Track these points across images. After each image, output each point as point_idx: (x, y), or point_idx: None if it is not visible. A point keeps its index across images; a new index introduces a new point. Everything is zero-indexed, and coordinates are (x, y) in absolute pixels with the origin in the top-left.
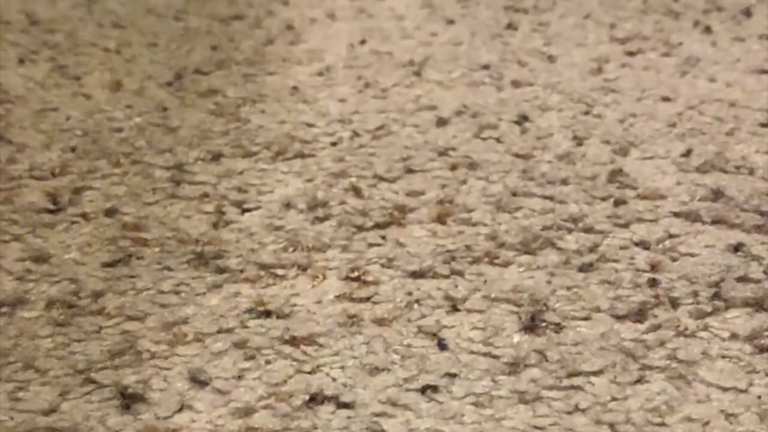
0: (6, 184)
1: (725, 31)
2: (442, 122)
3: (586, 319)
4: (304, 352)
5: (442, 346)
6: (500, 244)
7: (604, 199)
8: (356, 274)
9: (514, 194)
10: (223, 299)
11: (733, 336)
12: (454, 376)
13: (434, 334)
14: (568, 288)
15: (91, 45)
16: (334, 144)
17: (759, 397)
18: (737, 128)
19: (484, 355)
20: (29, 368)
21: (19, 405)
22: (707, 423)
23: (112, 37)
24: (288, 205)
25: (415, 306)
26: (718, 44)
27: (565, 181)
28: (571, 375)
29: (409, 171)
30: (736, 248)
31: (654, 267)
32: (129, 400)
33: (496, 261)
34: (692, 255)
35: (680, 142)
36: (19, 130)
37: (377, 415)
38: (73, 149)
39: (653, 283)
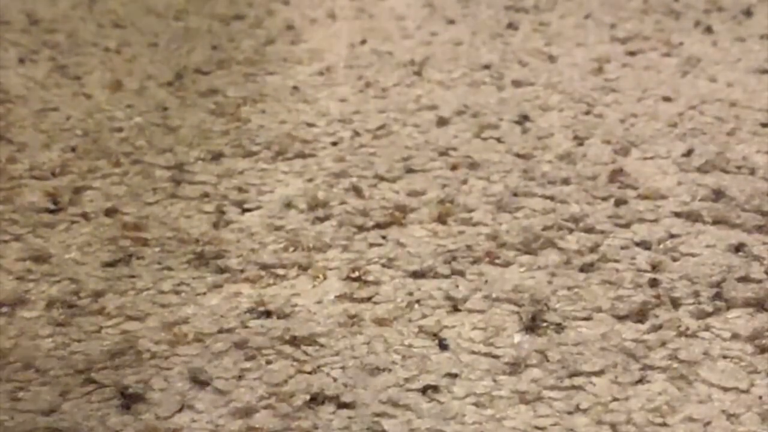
0: (6, 183)
1: (726, 31)
2: (442, 122)
3: (587, 319)
4: (305, 352)
5: (443, 346)
6: (501, 244)
7: (605, 199)
8: (357, 274)
9: (515, 194)
10: (224, 299)
11: (735, 336)
12: (454, 376)
13: (435, 334)
14: (569, 288)
15: (91, 45)
16: (334, 144)
17: (760, 397)
18: (738, 128)
19: (485, 355)
20: (29, 368)
21: (19, 405)
22: (708, 423)
23: (112, 37)
24: (288, 205)
25: (416, 306)
26: (719, 44)
27: (565, 181)
28: (572, 375)
29: (410, 171)
30: (737, 248)
31: (655, 267)
32: (129, 400)
33: (496, 261)
34: (693, 255)
35: (681, 142)
36: (19, 130)
37: (378, 415)
38: (73, 149)
39: (654, 283)
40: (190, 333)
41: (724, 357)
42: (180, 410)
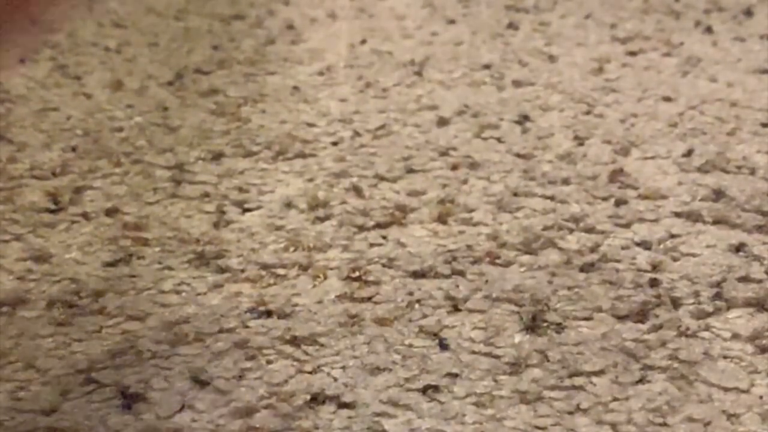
0: (7, 183)
1: (726, 31)
2: (443, 122)
3: (587, 319)
4: (305, 352)
5: (444, 346)
6: (501, 244)
7: (605, 199)
8: (357, 273)
9: (515, 194)
10: (224, 299)
11: (735, 336)
12: (455, 376)
13: (435, 334)
14: (570, 288)
15: (91, 44)
16: (335, 144)
17: (761, 397)
18: (738, 128)
19: (486, 355)
20: (30, 368)
21: (19, 405)
22: (709, 423)
23: (112, 37)
24: (289, 205)
25: (416, 306)
26: (719, 44)
27: (566, 181)
28: (572, 375)
29: (410, 171)
30: (738, 248)
31: (655, 267)
32: (130, 399)
33: (497, 261)
34: (693, 255)
35: (681, 142)
36: (19, 130)
37: (378, 415)
38: (73, 149)
39: (654, 283)
40: (190, 333)
41: (725, 357)
42: (180, 410)
